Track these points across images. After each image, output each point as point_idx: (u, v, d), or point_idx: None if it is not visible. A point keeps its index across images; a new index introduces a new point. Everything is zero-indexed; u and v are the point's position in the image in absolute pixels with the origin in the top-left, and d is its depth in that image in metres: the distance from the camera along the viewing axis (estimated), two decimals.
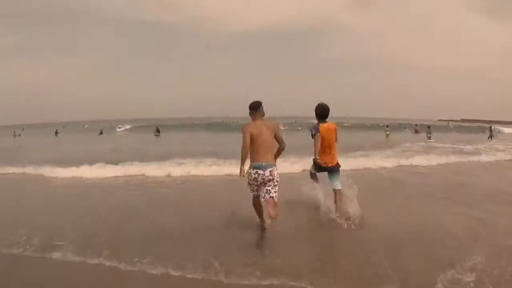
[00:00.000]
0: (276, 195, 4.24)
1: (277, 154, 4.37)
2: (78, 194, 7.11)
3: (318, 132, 4.73)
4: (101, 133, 38.79)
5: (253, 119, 4.33)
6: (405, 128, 38.67)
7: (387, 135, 26.49)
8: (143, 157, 11.26)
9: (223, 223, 4.77)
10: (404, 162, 10.82)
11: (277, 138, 4.32)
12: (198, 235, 4.27)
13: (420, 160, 11.09)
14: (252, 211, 4.52)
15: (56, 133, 41.05)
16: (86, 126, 60.10)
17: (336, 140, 4.88)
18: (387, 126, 29.01)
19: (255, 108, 4.34)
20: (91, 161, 9.99)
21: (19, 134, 41.63)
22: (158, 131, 34.31)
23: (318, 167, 4.94)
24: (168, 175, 8.84)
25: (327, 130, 4.78)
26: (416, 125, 36.60)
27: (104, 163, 9.81)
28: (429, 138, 22.73)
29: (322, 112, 4.87)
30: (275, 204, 4.19)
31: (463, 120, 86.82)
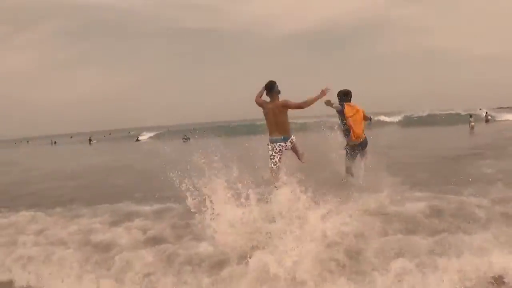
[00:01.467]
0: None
1: (312, 101, 4.90)
2: None
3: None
4: (137, 139, 39.88)
5: (270, 99, 4.93)
6: (480, 109, 31.84)
7: (472, 127, 21.86)
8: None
9: None
10: None
11: (292, 106, 4.83)
12: None
13: None
14: None
15: (90, 141, 40.58)
16: (131, 133, 58.84)
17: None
18: (471, 116, 23.51)
19: (268, 88, 4.88)
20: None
21: (55, 142, 48.00)
22: (187, 137, 33.38)
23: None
24: None
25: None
26: (486, 113, 30.37)
27: None
28: None
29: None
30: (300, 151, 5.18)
31: None
